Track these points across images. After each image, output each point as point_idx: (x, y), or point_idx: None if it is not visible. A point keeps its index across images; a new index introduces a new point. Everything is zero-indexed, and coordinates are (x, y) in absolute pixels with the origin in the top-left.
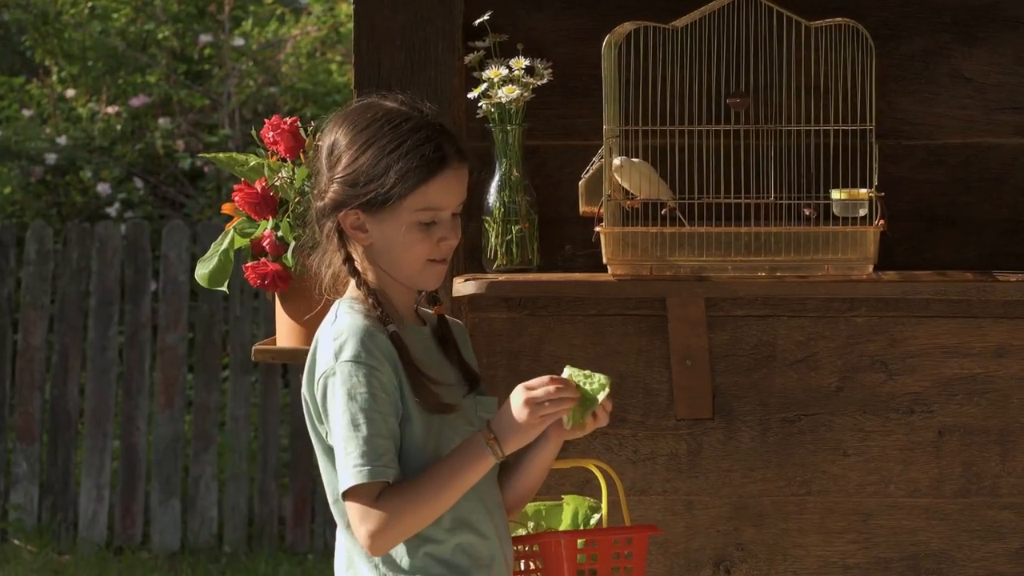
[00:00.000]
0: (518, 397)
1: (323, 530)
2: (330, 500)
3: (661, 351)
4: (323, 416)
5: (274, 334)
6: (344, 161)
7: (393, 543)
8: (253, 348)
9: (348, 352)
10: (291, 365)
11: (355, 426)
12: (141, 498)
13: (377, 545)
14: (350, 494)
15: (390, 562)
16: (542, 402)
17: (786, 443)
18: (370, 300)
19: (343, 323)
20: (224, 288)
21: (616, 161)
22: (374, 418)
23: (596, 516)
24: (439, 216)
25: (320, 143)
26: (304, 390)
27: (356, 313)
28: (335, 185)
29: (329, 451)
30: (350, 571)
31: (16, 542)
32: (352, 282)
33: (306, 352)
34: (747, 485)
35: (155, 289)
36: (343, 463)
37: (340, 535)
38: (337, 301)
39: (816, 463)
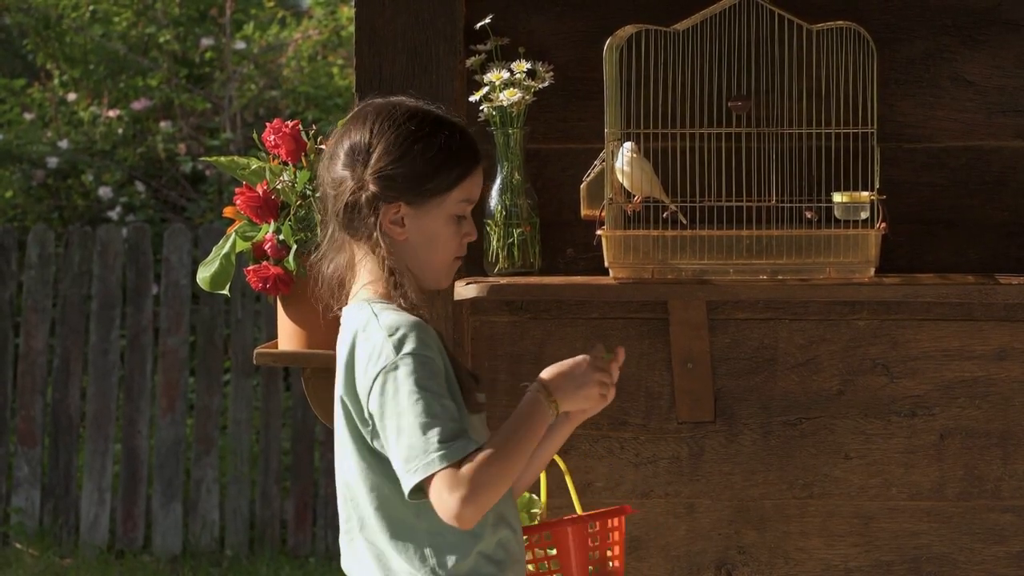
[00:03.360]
0: (587, 373)
1: (324, 533)
2: (371, 505)
3: (662, 354)
4: (380, 413)
5: (275, 337)
6: (391, 155)
7: (483, 510)
8: (255, 351)
9: (410, 345)
10: (292, 368)
11: (431, 415)
12: (142, 501)
13: (468, 513)
14: (435, 477)
15: (444, 566)
16: (609, 385)
17: (788, 446)
18: (403, 300)
19: (391, 318)
20: (226, 291)
21: (627, 145)
22: (446, 404)
23: (535, 509)
24: (467, 211)
25: (337, 143)
26: (342, 394)
27: (397, 310)
28: (379, 179)
29: (373, 453)
30: None
31: (18, 545)
32: (367, 286)
33: (307, 355)
34: (749, 488)
35: (156, 292)
36: (422, 449)
37: (367, 541)
38: (364, 303)
39: (817, 466)
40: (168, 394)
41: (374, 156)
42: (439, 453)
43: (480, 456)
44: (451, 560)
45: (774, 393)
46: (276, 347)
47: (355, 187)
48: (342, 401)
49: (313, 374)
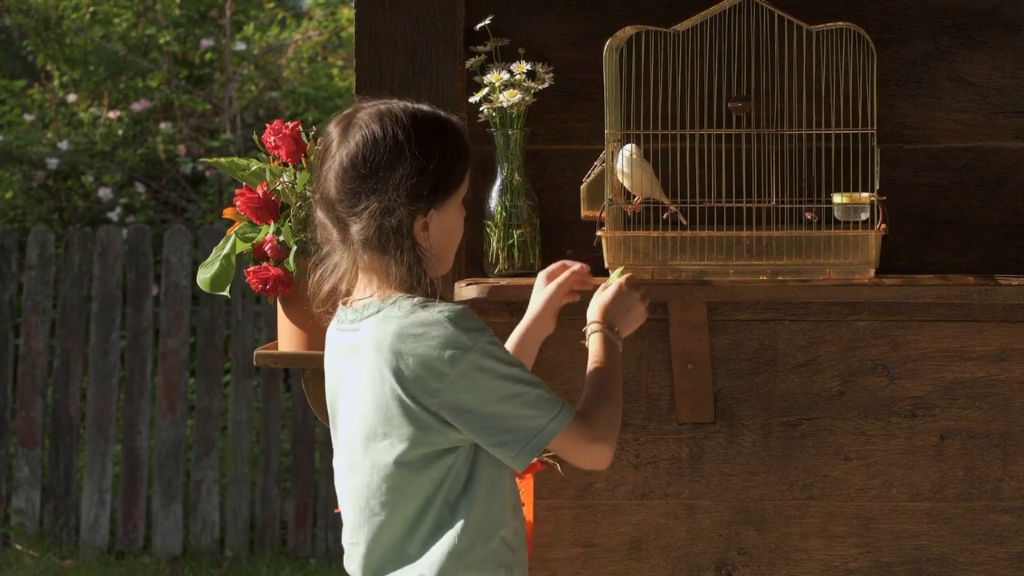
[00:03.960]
0: (630, 296)
1: (325, 534)
2: (418, 497)
3: (663, 355)
4: (467, 398)
5: (276, 338)
6: (417, 167)
7: (613, 449)
8: (255, 352)
9: (476, 327)
10: (292, 369)
11: (531, 383)
12: (143, 502)
13: (608, 454)
14: (561, 436)
15: (470, 549)
16: (647, 297)
17: (788, 447)
18: (435, 296)
19: (442, 307)
20: (226, 292)
21: (628, 147)
22: (529, 371)
23: None
24: None
25: (336, 157)
26: (393, 390)
27: (435, 300)
28: (409, 195)
29: (429, 444)
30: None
31: (18, 547)
32: (384, 286)
33: (307, 356)
34: (749, 489)
35: (156, 293)
36: (538, 417)
37: (392, 535)
38: (400, 299)
39: (818, 467)
40: (168, 395)
41: (399, 172)
42: (560, 416)
43: (592, 404)
44: (477, 544)
45: (774, 394)
46: (276, 348)
47: (385, 208)
48: (398, 398)
49: (313, 375)
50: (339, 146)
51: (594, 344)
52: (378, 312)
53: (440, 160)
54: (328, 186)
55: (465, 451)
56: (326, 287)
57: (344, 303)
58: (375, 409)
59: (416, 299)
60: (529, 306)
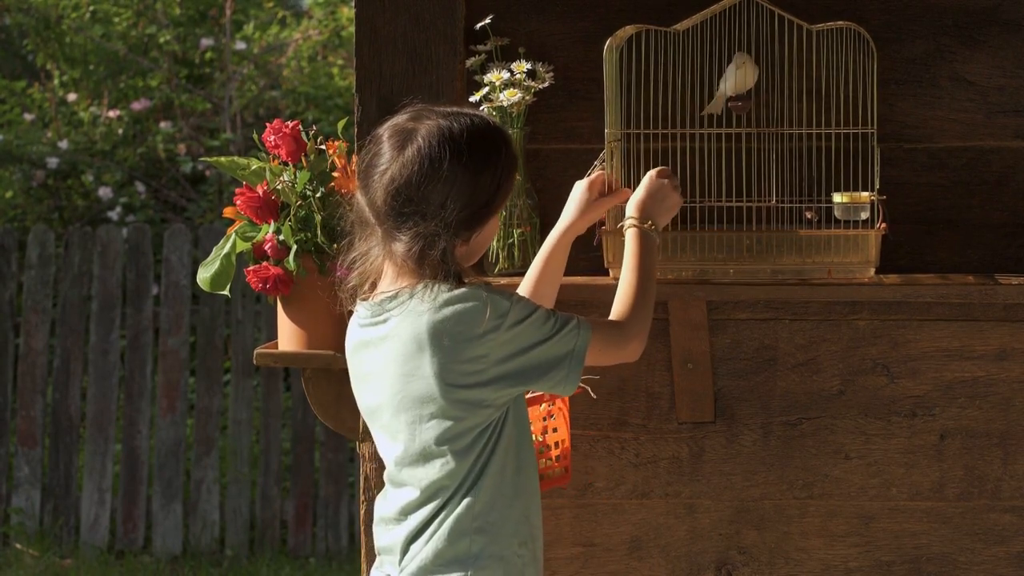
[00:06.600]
0: (664, 188)
1: (324, 534)
2: (467, 471)
3: (663, 354)
4: (520, 348)
5: (276, 338)
6: (462, 199)
7: (645, 339)
8: (255, 352)
9: (504, 291)
10: (292, 369)
11: (550, 316)
12: (143, 502)
13: (640, 348)
14: (591, 345)
15: (494, 528)
16: (678, 185)
17: (788, 446)
18: None
19: (473, 286)
20: (226, 292)
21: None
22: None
23: None
24: None
25: (386, 172)
26: (436, 373)
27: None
28: (453, 225)
29: (469, 432)
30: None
31: (18, 546)
32: (404, 280)
33: (308, 356)
34: (749, 488)
35: (156, 293)
36: (568, 339)
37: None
38: (430, 284)
39: (818, 466)
40: (168, 394)
41: (449, 205)
42: (579, 334)
43: (622, 304)
44: (509, 523)
45: (774, 393)
46: (276, 348)
47: (430, 233)
48: (441, 381)
49: (313, 375)
50: (392, 160)
51: (629, 239)
52: (408, 300)
53: (490, 183)
54: (375, 195)
55: (496, 425)
56: (355, 273)
57: (364, 298)
58: (415, 394)
59: (443, 283)
60: (568, 210)
